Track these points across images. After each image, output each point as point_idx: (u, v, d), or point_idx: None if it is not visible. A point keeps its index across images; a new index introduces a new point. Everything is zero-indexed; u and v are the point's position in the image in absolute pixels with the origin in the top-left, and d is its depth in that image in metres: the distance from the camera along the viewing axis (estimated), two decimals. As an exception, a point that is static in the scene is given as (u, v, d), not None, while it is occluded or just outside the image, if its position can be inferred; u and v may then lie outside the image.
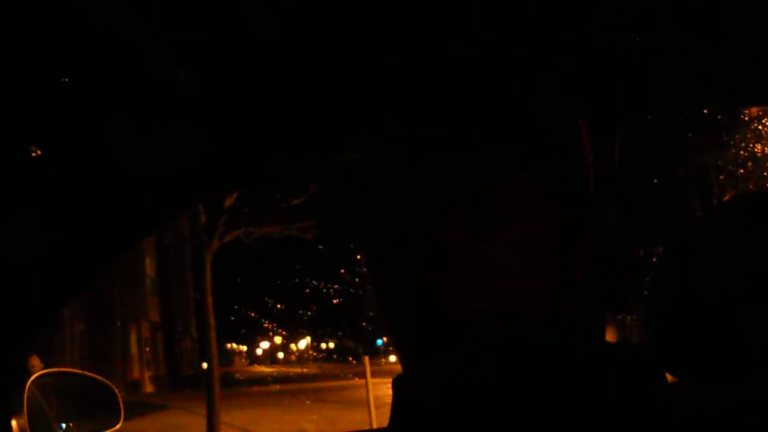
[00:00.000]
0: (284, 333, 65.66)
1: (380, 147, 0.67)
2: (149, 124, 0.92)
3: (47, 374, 1.74)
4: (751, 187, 15.49)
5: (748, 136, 16.04)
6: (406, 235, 0.62)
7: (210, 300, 13.07)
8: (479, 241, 0.59)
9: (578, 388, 0.60)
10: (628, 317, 23.02)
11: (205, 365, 15.92)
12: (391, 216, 0.63)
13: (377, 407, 12.05)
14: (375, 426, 10.72)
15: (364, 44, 0.84)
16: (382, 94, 0.84)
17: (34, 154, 0.93)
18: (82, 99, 0.88)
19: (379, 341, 52.38)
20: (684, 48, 0.95)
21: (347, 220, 0.73)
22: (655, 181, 17.78)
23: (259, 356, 73.87)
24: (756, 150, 16.16)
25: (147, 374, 32.61)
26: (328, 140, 0.98)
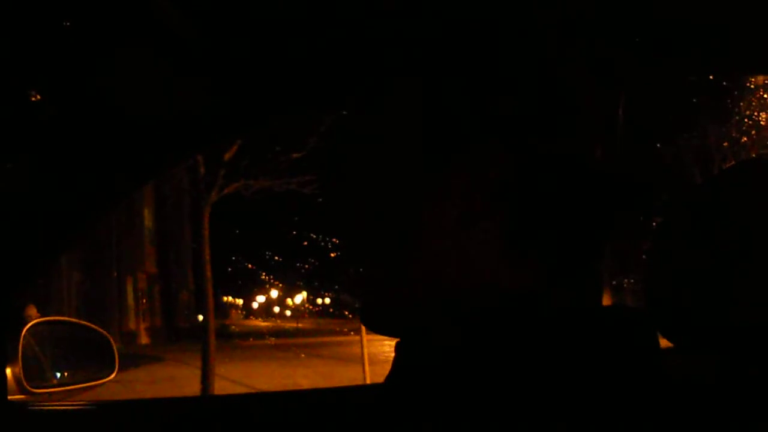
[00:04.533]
0: (281, 285, 65.95)
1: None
2: (150, 69, 0.91)
3: (43, 323, 1.74)
4: (753, 155, 15.47)
5: (753, 104, 15.97)
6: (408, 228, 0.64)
7: (207, 252, 13.09)
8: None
9: (569, 350, 0.60)
10: (625, 281, 23.18)
11: (201, 317, 16.01)
12: (400, 193, 0.65)
13: (371, 364, 12.16)
14: (369, 382, 10.82)
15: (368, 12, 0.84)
16: (384, 57, 0.84)
17: (33, 99, 0.92)
18: (81, 41, 0.86)
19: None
20: (692, 15, 0.94)
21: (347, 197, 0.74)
22: (657, 146, 17.77)
23: (255, 310, 74.33)
24: (760, 118, 16.09)
25: (143, 326, 32.80)
26: (328, 94, 0.97)
